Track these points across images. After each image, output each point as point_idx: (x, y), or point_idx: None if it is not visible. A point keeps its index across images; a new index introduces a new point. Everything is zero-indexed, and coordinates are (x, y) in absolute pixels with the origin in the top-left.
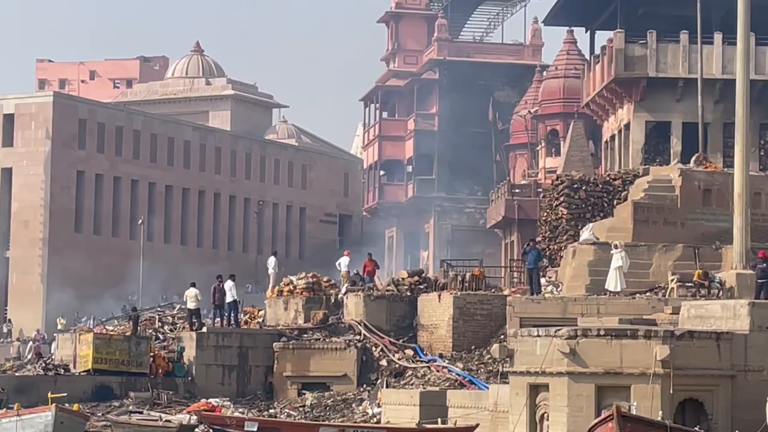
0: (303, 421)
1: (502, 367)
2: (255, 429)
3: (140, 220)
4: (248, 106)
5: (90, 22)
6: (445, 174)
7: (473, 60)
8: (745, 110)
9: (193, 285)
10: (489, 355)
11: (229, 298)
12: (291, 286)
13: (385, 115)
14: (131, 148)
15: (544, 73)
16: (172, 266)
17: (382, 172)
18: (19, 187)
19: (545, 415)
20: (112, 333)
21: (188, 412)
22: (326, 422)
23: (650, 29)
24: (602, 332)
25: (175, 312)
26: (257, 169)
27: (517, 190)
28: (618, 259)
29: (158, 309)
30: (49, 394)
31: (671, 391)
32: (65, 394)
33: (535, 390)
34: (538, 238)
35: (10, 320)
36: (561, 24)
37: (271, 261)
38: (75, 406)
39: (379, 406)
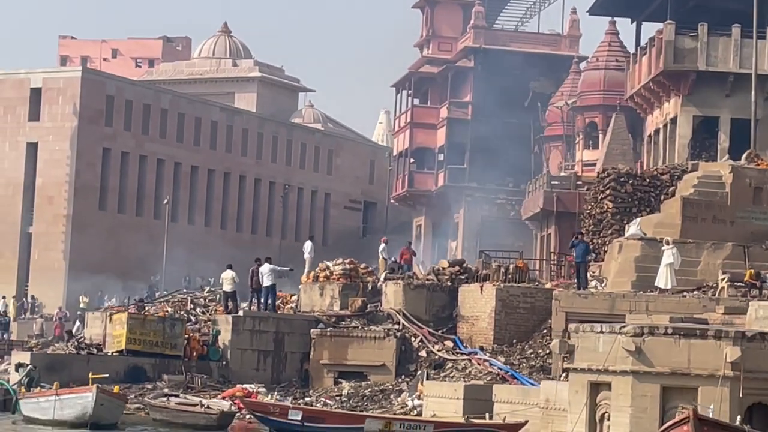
0: (349, 411)
1: (545, 362)
2: (299, 418)
3: (165, 200)
4: (274, 89)
5: (113, 0)
6: (476, 164)
7: (509, 49)
8: None
9: (230, 267)
10: (531, 350)
11: (266, 282)
12: (327, 272)
13: (416, 102)
14: (158, 126)
15: (582, 64)
16: (195, 248)
17: (411, 160)
18: (44, 162)
19: (606, 414)
20: (146, 314)
21: (224, 397)
22: (373, 414)
23: (701, 22)
24: (670, 331)
25: (205, 294)
26: (283, 152)
27: (555, 182)
28: (669, 255)
29: (185, 292)
30: (90, 375)
31: (740, 395)
32: (107, 375)
33: (596, 388)
34: (583, 231)
35: (33, 297)
36: (607, 14)
37: (308, 245)
38: (115, 388)
39: (419, 398)
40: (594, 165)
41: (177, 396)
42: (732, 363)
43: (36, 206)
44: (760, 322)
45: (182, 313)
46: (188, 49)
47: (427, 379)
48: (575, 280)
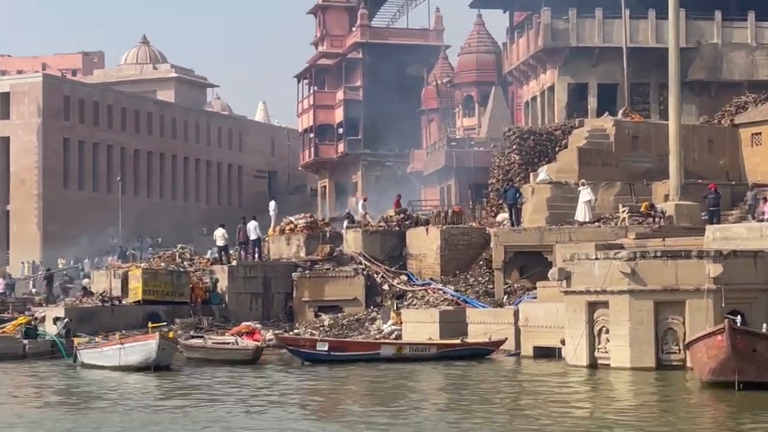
0: (368, 341)
1: (487, 287)
2: (326, 348)
3: (118, 178)
4: (188, 86)
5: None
6: (369, 135)
7: (389, 42)
8: (677, 72)
9: (222, 226)
10: (473, 278)
11: (253, 236)
12: (291, 225)
13: (316, 88)
14: (106, 119)
15: (447, 51)
16: (142, 214)
17: (311, 135)
18: (15, 152)
19: (604, 329)
20: (157, 268)
21: (232, 334)
22: (386, 341)
23: (570, 7)
24: (659, 254)
25: (187, 248)
26: (205, 135)
27: (453, 143)
28: (586, 194)
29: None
30: (150, 324)
31: (723, 305)
32: (165, 323)
33: (592, 307)
34: (492, 181)
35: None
36: (485, 7)
37: (272, 205)
38: (170, 334)
39: (397, 324)
40: (472, 129)
41: (202, 337)
42: (714, 278)
43: (11, 188)
44: (718, 242)
45: (172, 266)
46: (102, 61)
47: (397, 308)
48: (496, 220)
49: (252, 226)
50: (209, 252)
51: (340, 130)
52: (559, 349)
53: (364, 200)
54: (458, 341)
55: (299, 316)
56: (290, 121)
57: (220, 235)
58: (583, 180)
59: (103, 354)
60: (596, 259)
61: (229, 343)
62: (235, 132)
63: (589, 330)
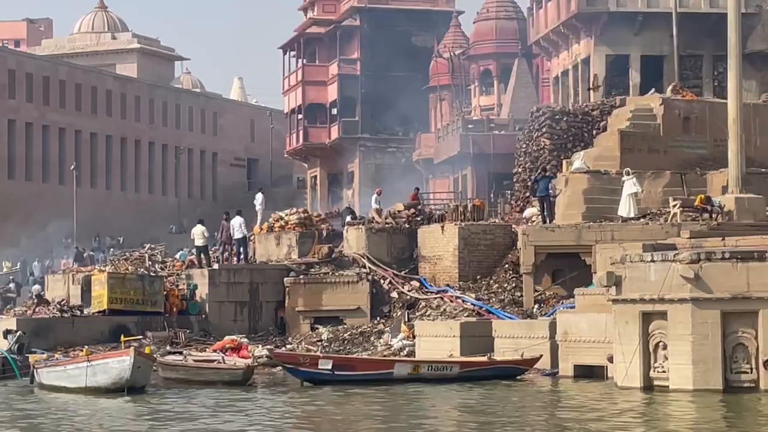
0: (378, 358)
1: (513, 295)
2: (330, 367)
3: (72, 166)
4: (153, 59)
5: None
6: (367, 116)
7: (391, 6)
8: (738, 40)
9: (201, 222)
10: (496, 284)
11: (238, 234)
12: (282, 222)
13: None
14: (58, 97)
15: (460, 18)
16: (99, 210)
17: (299, 116)
18: None
19: (661, 344)
20: (125, 272)
21: (214, 350)
22: (401, 358)
23: None
24: (727, 255)
25: (158, 249)
26: (173, 116)
27: (470, 126)
28: (631, 185)
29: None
30: (122, 337)
31: None
32: (140, 337)
33: (647, 318)
34: (518, 169)
35: None
36: None
37: (259, 197)
38: (147, 349)
39: (409, 338)
40: (491, 109)
41: (181, 353)
42: None
43: None
44: None
45: (142, 270)
46: (51, 29)
47: (409, 320)
48: (523, 216)
49: (237, 222)
50: (179, 253)
51: (334, 111)
52: (605, 367)
53: (378, 194)
54: (485, 359)
55: (292, 328)
56: (273, 101)
57: (199, 233)
58: (628, 168)
59: (66, 373)
60: (652, 261)
61: (214, 361)
62: (209, 113)
63: (643, 345)
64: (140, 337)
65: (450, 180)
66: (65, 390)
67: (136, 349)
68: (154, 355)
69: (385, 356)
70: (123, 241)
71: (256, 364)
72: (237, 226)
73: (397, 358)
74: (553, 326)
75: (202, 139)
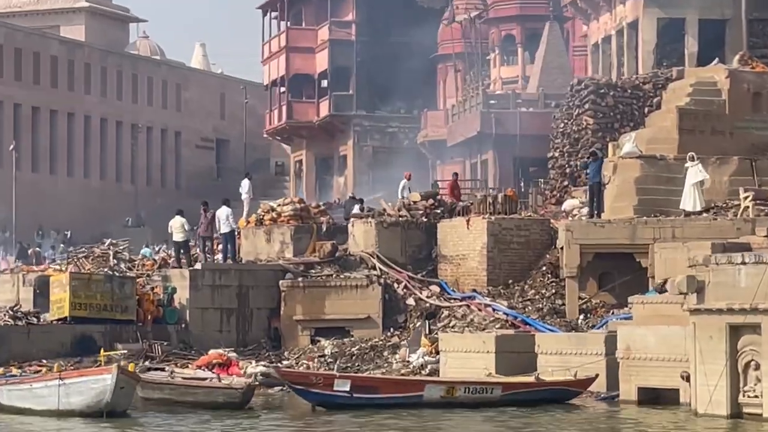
0: (406, 378)
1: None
2: (348, 388)
3: (11, 146)
4: (104, 20)
5: None
6: (364, 90)
7: None
8: None
9: (180, 213)
10: (533, 290)
11: (225, 228)
12: (273, 214)
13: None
14: None
15: None
16: (42, 198)
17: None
18: None
19: (752, 363)
20: (90, 272)
21: (198, 366)
22: (432, 378)
23: None
24: None
25: (123, 245)
26: (129, 88)
27: (493, 102)
28: (695, 173)
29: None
30: (102, 352)
31: None
32: (124, 351)
33: (735, 332)
34: (554, 154)
35: None
36: None
37: (245, 184)
38: (131, 366)
39: (431, 354)
40: (514, 82)
41: (162, 369)
42: None
43: None
44: None
45: (105, 270)
46: None
47: (430, 332)
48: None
49: (224, 213)
50: (143, 250)
51: (324, 83)
52: (678, 390)
53: (408, 178)
54: (532, 379)
55: (289, 341)
56: (246, 71)
57: (178, 225)
58: (692, 153)
59: (32, 393)
60: (743, 263)
61: (206, 380)
62: (171, 85)
63: (730, 365)
64: (123, 351)
65: (465, 166)
66: (30, 412)
67: (120, 367)
68: (139, 374)
69: (403, 375)
70: (70, 235)
71: (256, 383)
72: (224, 218)
73: (427, 378)
74: (609, 341)
75: (163, 116)
